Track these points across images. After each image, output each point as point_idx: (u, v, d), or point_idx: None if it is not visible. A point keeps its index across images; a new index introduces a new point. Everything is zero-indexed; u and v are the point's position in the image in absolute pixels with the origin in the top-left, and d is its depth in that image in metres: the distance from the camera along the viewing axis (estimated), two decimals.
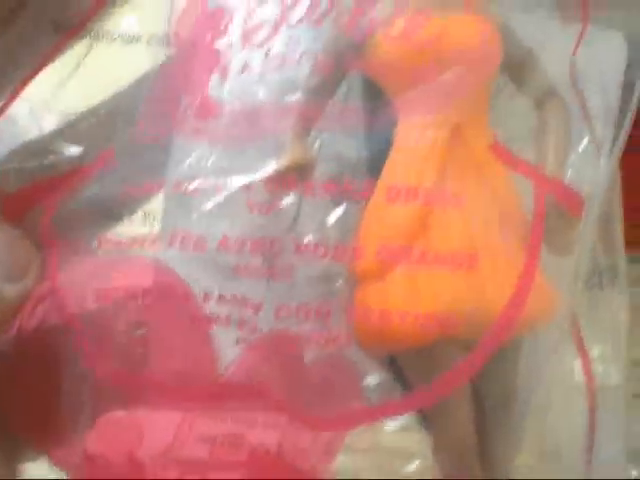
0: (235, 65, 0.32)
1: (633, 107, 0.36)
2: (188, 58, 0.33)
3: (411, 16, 0.32)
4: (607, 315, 0.37)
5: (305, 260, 0.31)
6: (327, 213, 0.32)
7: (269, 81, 0.32)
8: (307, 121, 0.33)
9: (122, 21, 0.35)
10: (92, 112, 0.35)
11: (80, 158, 0.34)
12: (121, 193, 0.33)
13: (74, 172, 0.33)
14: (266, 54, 0.32)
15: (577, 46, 0.34)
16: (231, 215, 0.32)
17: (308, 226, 0.32)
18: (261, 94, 0.32)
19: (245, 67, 0.32)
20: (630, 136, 0.34)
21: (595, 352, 0.37)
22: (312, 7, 0.31)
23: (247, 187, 0.32)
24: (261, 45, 0.31)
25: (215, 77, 0.32)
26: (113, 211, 0.34)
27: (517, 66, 0.35)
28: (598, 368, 0.36)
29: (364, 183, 0.32)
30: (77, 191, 0.33)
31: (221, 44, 0.32)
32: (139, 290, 0.33)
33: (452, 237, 0.31)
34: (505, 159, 0.33)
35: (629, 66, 0.37)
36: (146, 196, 0.33)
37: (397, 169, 0.33)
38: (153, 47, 0.35)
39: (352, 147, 0.33)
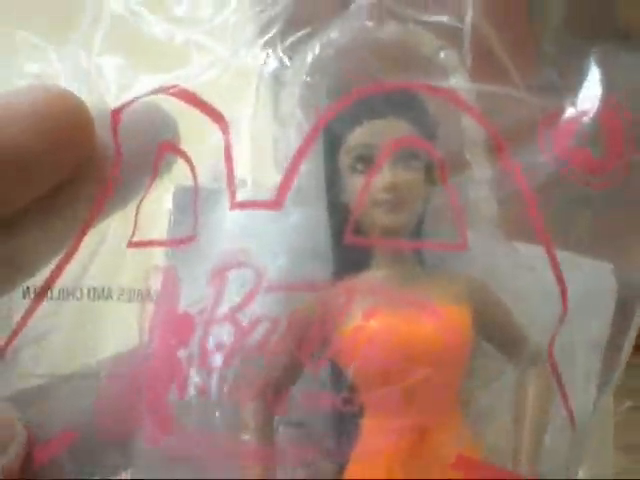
0: (192, 384, 0.29)
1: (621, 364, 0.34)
2: (152, 361, 0.30)
3: (380, 317, 0.30)
4: None
5: None
6: None
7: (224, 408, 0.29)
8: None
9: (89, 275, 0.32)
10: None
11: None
12: None
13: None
14: (221, 381, 0.29)
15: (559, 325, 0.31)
16: None
17: None
18: (217, 419, 0.30)
19: (201, 390, 0.29)
20: None
21: None
22: (268, 334, 0.29)
23: None
24: (215, 371, 0.29)
25: (173, 390, 0.30)
26: None
27: (500, 336, 0.32)
28: None
29: None
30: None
31: (182, 355, 0.29)
32: None
33: None
34: (472, 473, 0.30)
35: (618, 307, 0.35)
36: None
37: None
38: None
39: None
